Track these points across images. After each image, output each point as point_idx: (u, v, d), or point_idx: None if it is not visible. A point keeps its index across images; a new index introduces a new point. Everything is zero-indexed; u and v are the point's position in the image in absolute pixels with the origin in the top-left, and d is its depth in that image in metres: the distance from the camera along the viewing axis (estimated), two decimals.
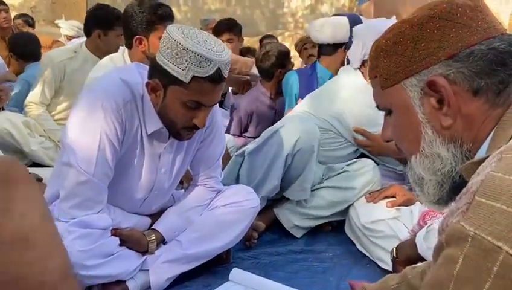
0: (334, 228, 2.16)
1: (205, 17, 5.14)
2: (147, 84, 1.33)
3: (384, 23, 2.13)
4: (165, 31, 1.30)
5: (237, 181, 2.22)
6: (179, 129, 1.38)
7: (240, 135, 2.91)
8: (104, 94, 1.33)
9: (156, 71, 1.31)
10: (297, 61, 4.66)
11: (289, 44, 11.25)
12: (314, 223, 2.11)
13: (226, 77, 1.32)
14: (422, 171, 0.82)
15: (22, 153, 2.65)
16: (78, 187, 1.31)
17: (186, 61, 1.24)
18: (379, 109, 0.90)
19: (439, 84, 0.74)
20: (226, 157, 2.54)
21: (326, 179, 2.16)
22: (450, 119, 0.75)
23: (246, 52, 3.96)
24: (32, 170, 2.22)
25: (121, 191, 1.46)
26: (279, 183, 2.05)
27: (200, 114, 1.34)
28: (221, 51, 1.28)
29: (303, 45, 4.15)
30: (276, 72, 2.84)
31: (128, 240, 1.47)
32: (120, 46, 2.24)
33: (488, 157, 0.69)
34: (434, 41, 0.75)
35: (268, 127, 2.87)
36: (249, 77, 2.98)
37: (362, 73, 2.17)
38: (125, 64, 2.13)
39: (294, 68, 3.77)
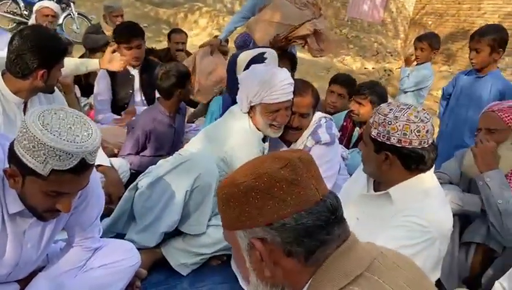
0: (223, 262, 2.24)
1: (109, 3, 4.79)
2: (4, 171, 1.25)
3: (268, 71, 2.20)
4: (22, 120, 1.22)
5: (132, 215, 2.21)
6: (40, 213, 1.33)
7: (137, 154, 2.86)
8: None
9: (13, 159, 1.22)
10: None
11: (206, 21, 11.04)
12: (200, 259, 2.17)
13: (93, 163, 1.28)
14: None
15: None
16: None
17: (44, 155, 1.17)
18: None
19: (256, 246, 0.86)
20: (118, 184, 2.51)
21: (214, 215, 2.23)
22: (269, 272, 0.88)
23: (148, 53, 3.82)
24: None
25: None
26: (178, 219, 2.08)
27: (64, 200, 1.29)
28: (86, 140, 1.22)
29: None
30: (175, 92, 2.82)
31: None
32: None
33: None
34: (255, 209, 0.86)
35: (168, 145, 2.89)
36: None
37: (251, 117, 2.23)
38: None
39: None
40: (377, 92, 2.86)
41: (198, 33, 10.41)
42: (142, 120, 2.88)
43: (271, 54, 2.66)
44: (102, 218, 2.24)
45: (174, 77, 2.78)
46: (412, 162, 1.52)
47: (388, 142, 1.50)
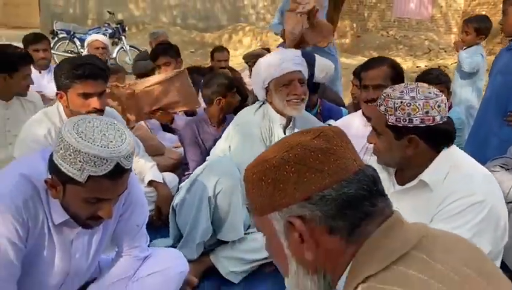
0: (276, 269, 2.18)
1: (154, 31, 5.02)
2: (46, 182, 1.30)
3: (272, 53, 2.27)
4: (59, 131, 1.27)
5: (180, 232, 2.24)
6: (84, 221, 1.36)
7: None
8: (1, 197, 1.29)
9: (53, 168, 1.27)
10: None
11: (250, 39, 11.21)
12: (250, 266, 2.14)
13: (129, 167, 1.29)
14: None
15: None
16: None
17: (80, 162, 1.20)
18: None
19: (295, 226, 0.79)
20: (169, 199, 2.51)
21: None
22: (311, 254, 0.80)
23: (192, 71, 3.90)
24: None
25: (32, 282, 1.44)
26: (209, 226, 2.08)
27: (105, 206, 1.31)
28: (119, 145, 1.24)
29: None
30: (215, 100, 2.81)
31: None
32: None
33: None
34: (291, 183, 0.79)
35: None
36: None
37: (270, 103, 2.30)
38: (60, 117, 2.09)
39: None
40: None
41: (243, 52, 10.58)
42: (186, 129, 2.93)
43: None
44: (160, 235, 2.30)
45: (216, 85, 2.80)
46: (439, 139, 1.46)
47: (411, 125, 1.42)
